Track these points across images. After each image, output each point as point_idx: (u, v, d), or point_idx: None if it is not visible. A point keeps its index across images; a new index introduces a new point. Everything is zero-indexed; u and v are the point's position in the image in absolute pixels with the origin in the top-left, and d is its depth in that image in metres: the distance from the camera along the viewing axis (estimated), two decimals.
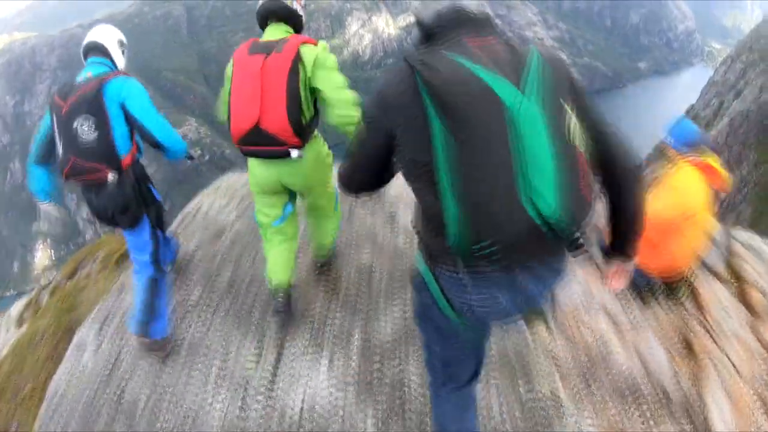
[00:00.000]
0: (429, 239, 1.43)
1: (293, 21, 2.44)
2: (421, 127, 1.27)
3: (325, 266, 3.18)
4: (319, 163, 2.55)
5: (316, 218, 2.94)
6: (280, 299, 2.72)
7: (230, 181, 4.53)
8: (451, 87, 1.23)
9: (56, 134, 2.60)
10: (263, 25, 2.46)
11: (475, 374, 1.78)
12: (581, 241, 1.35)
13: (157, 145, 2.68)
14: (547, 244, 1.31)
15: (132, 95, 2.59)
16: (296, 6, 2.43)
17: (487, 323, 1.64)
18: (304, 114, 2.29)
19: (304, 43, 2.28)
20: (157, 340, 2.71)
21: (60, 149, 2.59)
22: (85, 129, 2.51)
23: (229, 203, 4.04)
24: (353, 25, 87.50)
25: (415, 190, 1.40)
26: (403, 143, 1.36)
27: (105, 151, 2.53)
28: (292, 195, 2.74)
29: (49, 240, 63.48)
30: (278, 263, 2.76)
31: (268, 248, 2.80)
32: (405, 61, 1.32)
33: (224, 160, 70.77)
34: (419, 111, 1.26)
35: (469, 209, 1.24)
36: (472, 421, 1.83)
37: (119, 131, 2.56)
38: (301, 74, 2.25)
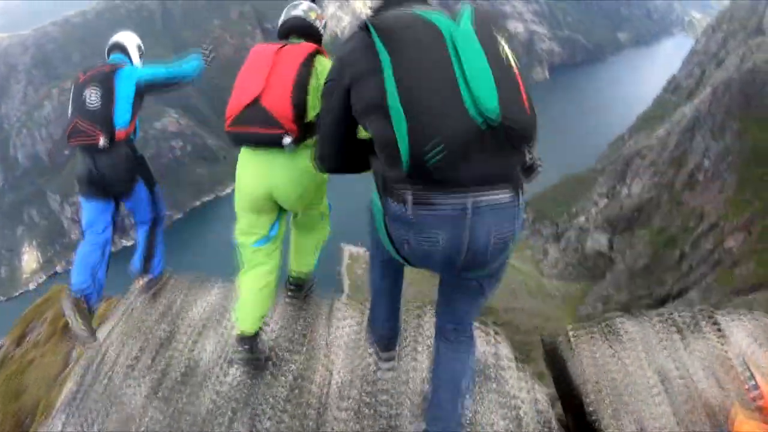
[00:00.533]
0: (384, 170, 1.49)
1: (313, 38, 2.46)
2: (372, 73, 1.42)
3: (298, 290, 2.90)
4: (315, 174, 2.35)
5: (301, 230, 2.78)
6: (242, 349, 2.45)
7: (144, 303, 3.16)
8: (396, 23, 1.44)
9: (69, 103, 3.09)
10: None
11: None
12: (535, 162, 1.49)
13: (181, 83, 3.34)
14: (496, 160, 1.41)
15: (142, 72, 3.21)
16: (318, 24, 2.50)
17: (423, 265, 1.63)
18: (308, 113, 2.20)
19: (323, 54, 2.32)
20: (154, 278, 3.20)
21: (69, 114, 3.04)
22: (92, 97, 2.99)
23: (140, 356, 2.71)
24: (330, 7, 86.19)
25: (373, 129, 1.48)
26: (358, 92, 1.50)
27: (103, 119, 2.96)
28: (280, 215, 2.51)
29: (35, 242, 62.57)
30: (249, 302, 2.47)
31: (242, 277, 2.51)
32: (357, 26, 1.51)
33: (206, 150, 70.01)
34: (370, 58, 1.42)
35: (417, 118, 1.33)
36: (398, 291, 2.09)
37: (121, 108, 3.03)
38: (313, 79, 2.21)
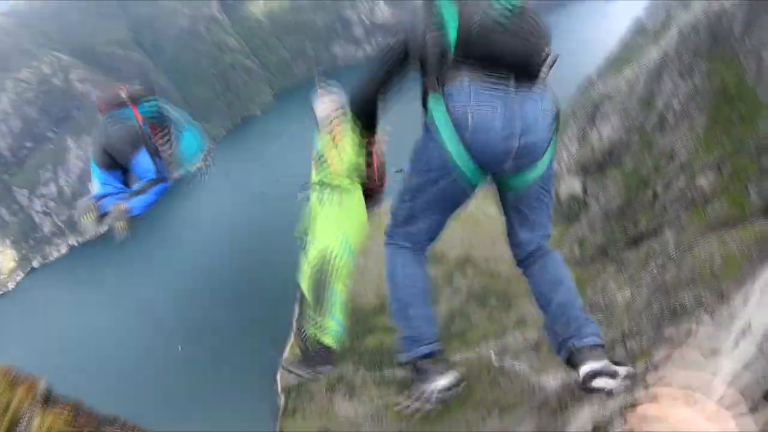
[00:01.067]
0: (438, 72, 1.95)
1: None
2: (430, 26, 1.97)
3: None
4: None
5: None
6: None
7: None
8: None
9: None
10: None
11: (429, 240, 2.18)
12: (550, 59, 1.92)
13: (178, 135, 4.33)
14: (522, 43, 1.88)
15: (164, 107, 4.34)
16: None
17: (480, 157, 1.92)
18: None
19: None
20: (130, 214, 3.77)
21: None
22: (137, 86, 4.03)
23: None
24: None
25: (430, 43, 1.96)
26: (414, 38, 2.06)
27: (135, 91, 3.95)
28: None
29: (8, 241, 60.87)
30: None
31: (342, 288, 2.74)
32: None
33: None
34: (429, 18, 1.97)
35: (462, 15, 1.87)
36: (423, 277, 2.16)
37: (145, 105, 3.98)
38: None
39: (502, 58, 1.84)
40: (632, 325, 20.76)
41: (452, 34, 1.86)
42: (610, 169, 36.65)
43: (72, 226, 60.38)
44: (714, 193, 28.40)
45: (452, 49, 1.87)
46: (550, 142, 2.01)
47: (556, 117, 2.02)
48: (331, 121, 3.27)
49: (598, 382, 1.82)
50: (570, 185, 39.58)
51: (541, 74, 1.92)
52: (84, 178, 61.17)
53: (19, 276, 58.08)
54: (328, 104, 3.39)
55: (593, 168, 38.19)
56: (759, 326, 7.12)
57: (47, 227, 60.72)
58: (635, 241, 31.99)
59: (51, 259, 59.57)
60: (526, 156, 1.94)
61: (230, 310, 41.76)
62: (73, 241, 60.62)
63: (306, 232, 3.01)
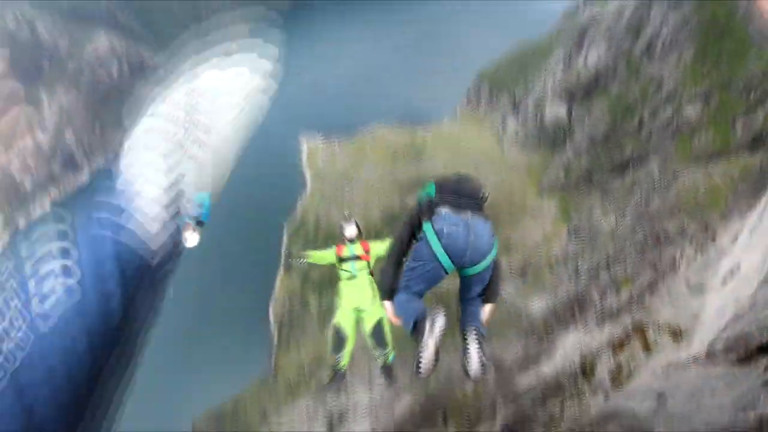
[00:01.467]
0: (428, 210, 3.33)
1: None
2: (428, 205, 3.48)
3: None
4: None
5: None
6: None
7: None
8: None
9: None
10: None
11: (420, 294, 3.39)
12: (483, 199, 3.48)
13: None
14: (472, 202, 3.36)
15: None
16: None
17: (451, 255, 3.17)
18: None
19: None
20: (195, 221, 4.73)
21: None
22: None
23: None
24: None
25: (424, 205, 3.40)
26: (414, 214, 3.51)
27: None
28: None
29: None
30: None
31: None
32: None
33: (146, 68, 65.60)
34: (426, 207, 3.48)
35: (441, 192, 3.45)
36: (420, 303, 3.38)
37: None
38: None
39: (459, 195, 3.34)
40: (617, 251, 21.26)
41: (432, 192, 3.41)
42: (597, 95, 36.27)
43: (52, 179, 59.45)
44: (700, 123, 28.37)
45: (434, 197, 3.37)
46: (490, 249, 3.27)
47: (493, 234, 3.30)
48: (355, 239, 6.13)
49: (472, 347, 3.16)
50: (555, 110, 39.16)
51: (482, 208, 3.37)
52: (61, 127, 59.67)
53: (7, 240, 57.55)
54: (353, 228, 6.16)
55: (579, 93, 37.72)
56: (749, 269, 7.22)
57: (28, 184, 59.58)
58: (621, 168, 32.22)
59: (35, 217, 58.87)
60: (476, 255, 3.20)
61: (219, 244, 41.68)
62: (54, 194, 59.85)
63: (340, 297, 5.95)
